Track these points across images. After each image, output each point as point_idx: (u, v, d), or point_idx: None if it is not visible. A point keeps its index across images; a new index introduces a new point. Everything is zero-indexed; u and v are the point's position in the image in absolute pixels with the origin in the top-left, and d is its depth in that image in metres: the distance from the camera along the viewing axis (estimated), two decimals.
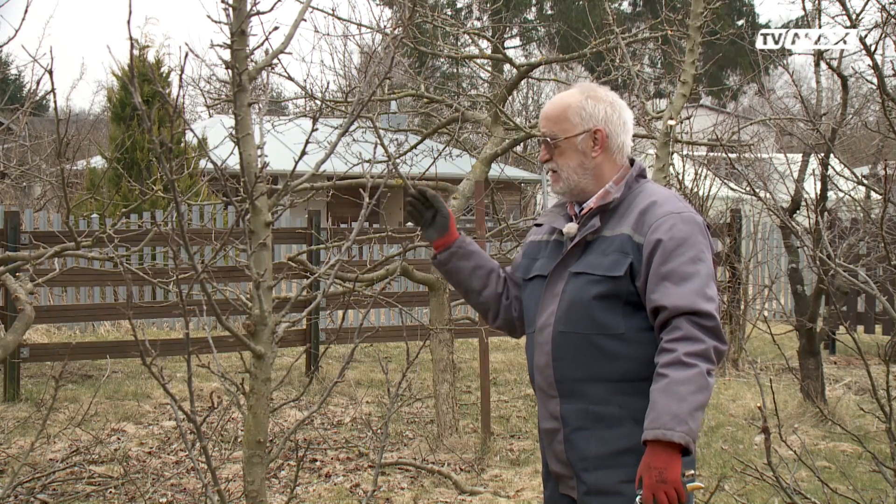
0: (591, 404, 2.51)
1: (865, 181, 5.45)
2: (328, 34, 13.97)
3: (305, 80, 10.53)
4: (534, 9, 32.37)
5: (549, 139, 2.63)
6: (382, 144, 5.43)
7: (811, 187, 7.44)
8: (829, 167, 6.64)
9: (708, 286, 2.42)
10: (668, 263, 2.43)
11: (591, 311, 2.50)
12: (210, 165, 2.67)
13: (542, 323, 2.60)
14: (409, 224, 17.55)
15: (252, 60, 2.70)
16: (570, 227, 2.63)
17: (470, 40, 12.62)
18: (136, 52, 13.30)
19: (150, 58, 13.69)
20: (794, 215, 7.37)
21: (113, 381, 8.50)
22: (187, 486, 5.50)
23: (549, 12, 31.53)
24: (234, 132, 2.67)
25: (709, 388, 2.37)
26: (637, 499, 2.37)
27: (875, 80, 5.06)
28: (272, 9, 2.71)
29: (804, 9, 7.16)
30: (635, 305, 2.49)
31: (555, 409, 2.57)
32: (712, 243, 2.57)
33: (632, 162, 2.68)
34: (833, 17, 7.49)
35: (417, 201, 2.76)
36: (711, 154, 10.58)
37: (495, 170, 8.03)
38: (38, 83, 7.29)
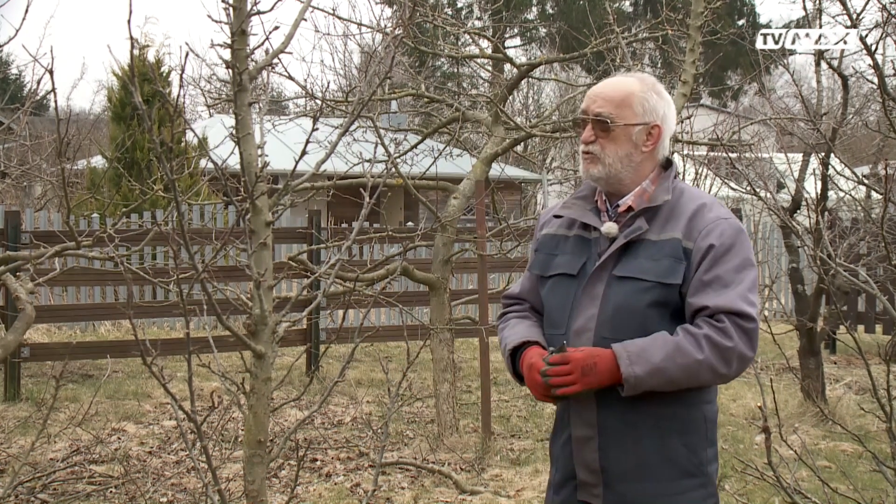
0: (632, 414, 2.41)
1: (866, 181, 5.45)
2: (328, 34, 14.05)
3: (306, 80, 10.54)
4: (535, 8, 32.38)
5: (606, 119, 2.47)
6: (383, 144, 5.43)
7: (812, 187, 7.44)
8: (830, 167, 6.64)
9: (751, 292, 2.37)
10: (714, 270, 2.36)
11: (644, 320, 2.39)
12: (210, 165, 2.67)
13: (580, 327, 2.47)
14: (409, 224, 17.54)
15: (252, 60, 2.70)
16: (611, 227, 2.49)
17: (470, 40, 12.62)
18: (136, 52, 13.29)
19: (151, 57, 13.71)
20: (795, 215, 7.37)
21: (113, 380, 8.50)
22: (188, 485, 5.50)
23: (550, 12, 31.55)
24: (234, 132, 2.67)
25: (696, 378, 2.33)
26: (553, 354, 2.40)
27: (875, 80, 5.06)
28: (272, 8, 2.71)
29: (805, 9, 7.16)
30: (681, 315, 2.41)
31: (591, 416, 2.45)
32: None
33: (669, 162, 2.56)
34: (833, 17, 7.50)
35: None
36: (712, 154, 10.57)
37: (496, 169, 8.02)
38: (38, 83, 7.29)
